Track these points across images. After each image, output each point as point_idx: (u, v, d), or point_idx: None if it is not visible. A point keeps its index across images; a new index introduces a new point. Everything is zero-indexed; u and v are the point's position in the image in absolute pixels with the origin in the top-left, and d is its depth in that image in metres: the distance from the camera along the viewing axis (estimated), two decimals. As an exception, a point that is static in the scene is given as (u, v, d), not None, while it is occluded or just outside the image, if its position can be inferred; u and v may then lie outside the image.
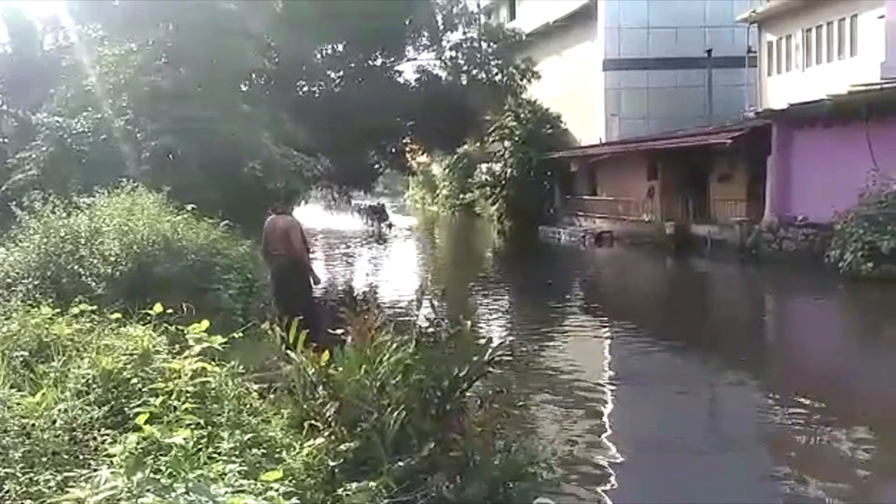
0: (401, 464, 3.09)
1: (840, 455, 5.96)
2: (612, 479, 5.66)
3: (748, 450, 6.31)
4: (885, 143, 14.57)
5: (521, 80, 20.48)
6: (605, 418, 7.16)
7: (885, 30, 15.90)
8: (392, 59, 19.10)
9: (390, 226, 26.34)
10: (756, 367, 9.10)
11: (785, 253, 16.79)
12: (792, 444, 6.32)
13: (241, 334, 4.04)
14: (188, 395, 2.81)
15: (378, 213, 26.54)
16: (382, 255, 23.42)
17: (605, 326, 11.88)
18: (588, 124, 27.57)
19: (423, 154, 26.71)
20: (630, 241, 23.21)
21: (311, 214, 32.06)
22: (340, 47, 18.57)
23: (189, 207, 7.23)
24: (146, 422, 2.45)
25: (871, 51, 16.33)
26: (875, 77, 15.11)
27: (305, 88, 18.75)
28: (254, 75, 15.90)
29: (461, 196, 34.07)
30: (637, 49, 26.00)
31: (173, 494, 2.07)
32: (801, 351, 10.78)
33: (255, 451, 2.95)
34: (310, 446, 3.15)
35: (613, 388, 8.30)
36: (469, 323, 3.78)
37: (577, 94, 28.06)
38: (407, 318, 4.36)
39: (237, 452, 2.87)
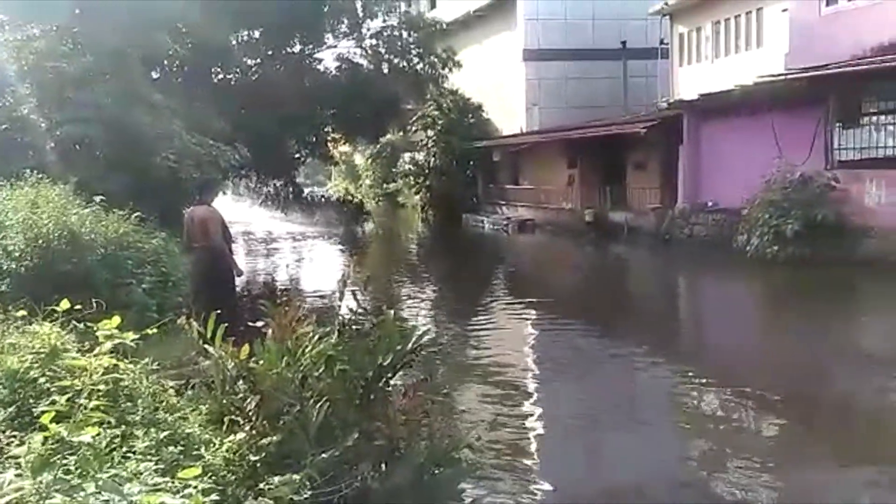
0: (324, 455, 3.05)
1: (747, 424, 6.26)
2: (536, 459, 5.79)
3: (664, 426, 6.57)
4: (789, 132, 15.31)
5: (443, 69, 20.49)
6: (528, 401, 7.29)
7: (788, 23, 16.65)
8: (311, 46, 18.77)
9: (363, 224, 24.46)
10: (669, 346, 9.47)
11: (696, 238, 17.47)
12: (704, 418, 6.60)
13: (155, 330, 3.91)
14: (99, 393, 2.70)
15: (349, 212, 24.44)
16: (306, 247, 23.10)
17: (528, 311, 12.09)
18: (509, 114, 27.90)
19: (345, 143, 26.41)
20: (552, 229, 23.70)
21: (255, 215, 30.68)
22: (257, 34, 18.12)
23: (98, 199, 6.93)
24: (53, 421, 2.34)
25: (776, 43, 17.09)
26: (779, 68, 15.81)
27: (221, 76, 18.23)
28: (166, 62, 15.34)
29: (385, 186, 33.93)
30: (555, 40, 26.45)
31: (83, 494, 1.99)
32: (711, 331, 11.33)
33: (171, 448, 2.85)
34: (230, 442, 3.08)
35: (536, 371, 8.47)
36: (392, 312, 3.76)
37: (498, 84, 28.34)
38: (331, 309, 4.31)
39: (153, 451, 2.78)
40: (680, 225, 18.19)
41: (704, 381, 7.60)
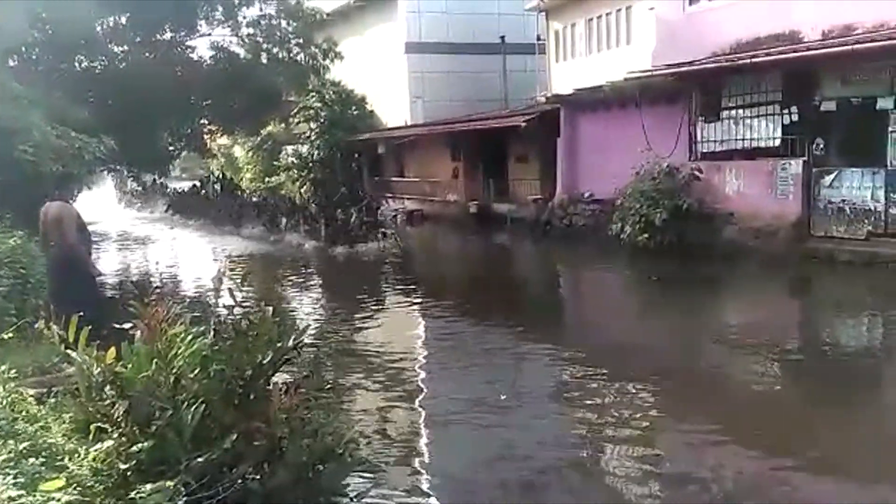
0: (200, 459, 2.96)
1: (628, 404, 6.59)
2: (425, 446, 5.85)
3: (550, 406, 6.81)
4: (657, 126, 16.14)
5: (324, 60, 20.12)
6: (414, 390, 7.36)
7: (655, 21, 17.53)
8: (183, 33, 17.95)
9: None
10: (545, 329, 9.80)
11: (575, 227, 18.13)
12: (586, 397, 6.88)
13: (13, 335, 3.67)
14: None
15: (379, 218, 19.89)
16: (184, 241, 22.18)
17: (415, 301, 12.17)
18: (393, 106, 27.88)
19: (223, 135, 25.50)
20: (438, 221, 23.96)
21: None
22: (124, 20, 17.13)
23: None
24: None
25: (644, 40, 17.95)
26: (647, 65, 16.61)
27: (85, 64, 17.14)
28: (24, 49, 14.28)
29: (267, 179, 33.04)
30: (437, 34, 26.65)
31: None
32: (588, 315, 11.82)
33: (32, 460, 2.69)
34: (97, 450, 2.94)
35: (422, 360, 8.55)
36: (271, 308, 3.69)
37: (381, 76, 28.24)
38: (207, 308, 4.17)
39: (11, 463, 2.61)
40: (559, 215, 18.81)
41: (583, 366, 7.92)
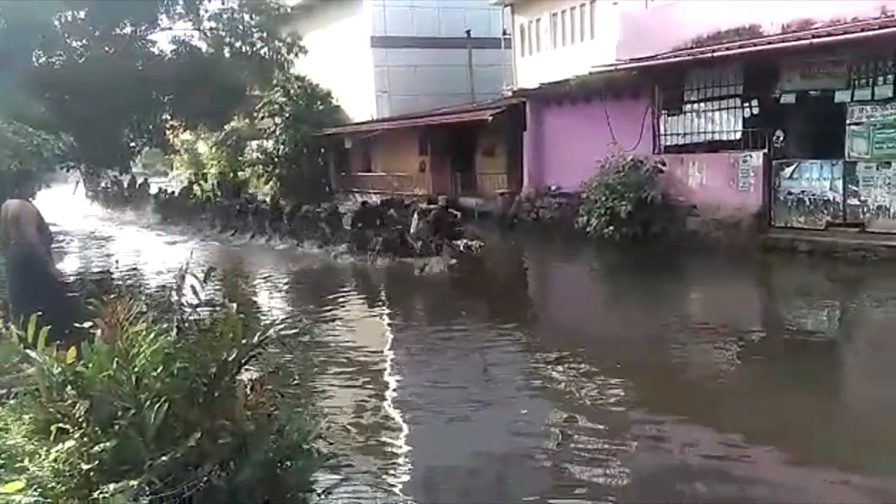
0: (164, 458, 2.93)
1: (598, 394, 6.67)
2: (396, 440, 5.86)
3: (521, 399, 6.86)
4: (621, 119, 16.31)
5: (288, 54, 19.95)
6: (383, 383, 7.37)
7: (619, 15, 17.69)
8: (143, 27, 17.66)
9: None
10: (520, 322, 9.86)
11: (542, 220, 18.27)
12: (558, 391, 6.95)
13: (-31, 337, 3.57)
14: None
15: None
16: (149, 238, 21.81)
17: (382, 296, 12.16)
18: (359, 101, 27.75)
19: (185, 131, 25.13)
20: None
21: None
22: (82, 13, 16.78)
23: None
24: None
25: (608, 34, 18.10)
26: (611, 59, 16.76)
27: (43, 59, 16.77)
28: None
29: (232, 175, 32.65)
30: (403, 27, 26.57)
31: None
32: (558, 307, 11.92)
33: (-9, 463, 2.65)
34: (58, 451, 2.89)
35: (390, 352, 8.56)
36: (235, 305, 3.66)
37: (346, 71, 28.07)
38: (169, 305, 4.12)
39: (-31, 467, 2.56)
40: (526, 209, 18.92)
41: (551, 354, 7.99)
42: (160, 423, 3.05)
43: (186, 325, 3.59)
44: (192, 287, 3.68)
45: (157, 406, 3.06)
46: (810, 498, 4.77)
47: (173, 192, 27.02)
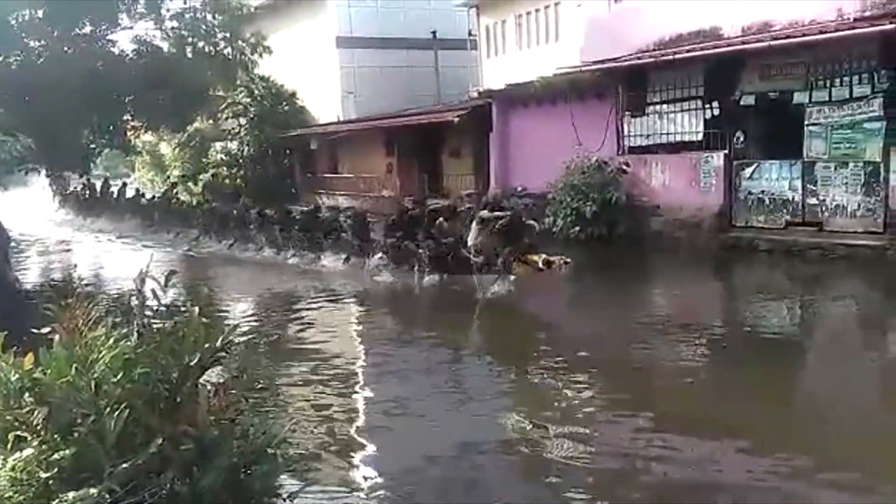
0: (125, 465, 2.89)
1: (567, 395, 6.73)
2: (363, 444, 5.84)
3: (488, 401, 6.89)
4: (586, 120, 16.47)
5: (253, 54, 19.73)
6: (356, 389, 7.34)
7: (582, 17, 17.85)
8: (104, 27, 17.32)
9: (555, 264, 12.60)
10: (484, 328, 9.90)
11: (509, 221, 18.31)
12: (525, 393, 7.00)
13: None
14: None
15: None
16: (111, 241, 21.42)
17: (352, 300, 12.10)
18: (325, 102, 27.57)
19: (147, 132, 24.71)
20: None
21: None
22: (40, 13, 16.42)
23: None
24: None
25: (572, 36, 18.26)
26: (576, 60, 16.92)
27: (0, 59, 16.37)
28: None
29: (195, 177, 32.21)
30: (368, 28, 26.46)
31: None
32: (524, 309, 11.96)
33: (-56, 475, 2.58)
34: (16, 459, 2.83)
35: (357, 357, 8.53)
36: (197, 309, 3.61)
37: (312, 72, 27.88)
38: (129, 310, 4.06)
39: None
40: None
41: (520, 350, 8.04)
42: (120, 429, 3.01)
43: (147, 329, 3.54)
44: (153, 291, 3.63)
45: (117, 412, 3.01)
46: (763, 485, 4.87)
47: (154, 197, 25.06)
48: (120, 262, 16.83)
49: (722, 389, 6.92)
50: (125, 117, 19.41)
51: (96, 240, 21.82)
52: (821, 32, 12.24)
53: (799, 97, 12.97)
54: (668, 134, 15.21)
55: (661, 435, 5.67)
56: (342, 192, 26.15)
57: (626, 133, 15.99)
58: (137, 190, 27.51)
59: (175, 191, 25.35)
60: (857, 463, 5.14)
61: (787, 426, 5.92)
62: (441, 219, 13.06)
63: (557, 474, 5.09)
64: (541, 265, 11.40)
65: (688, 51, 14.13)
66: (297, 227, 15.72)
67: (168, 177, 31.96)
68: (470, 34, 23.83)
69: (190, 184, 27.92)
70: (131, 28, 18.03)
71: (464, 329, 9.77)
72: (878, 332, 9.13)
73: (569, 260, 11.64)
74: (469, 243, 11.90)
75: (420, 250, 12.31)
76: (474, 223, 12.21)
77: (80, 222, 25.96)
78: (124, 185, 28.50)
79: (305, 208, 17.83)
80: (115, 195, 27.05)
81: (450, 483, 5.11)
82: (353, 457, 5.57)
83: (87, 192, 28.37)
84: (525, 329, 9.94)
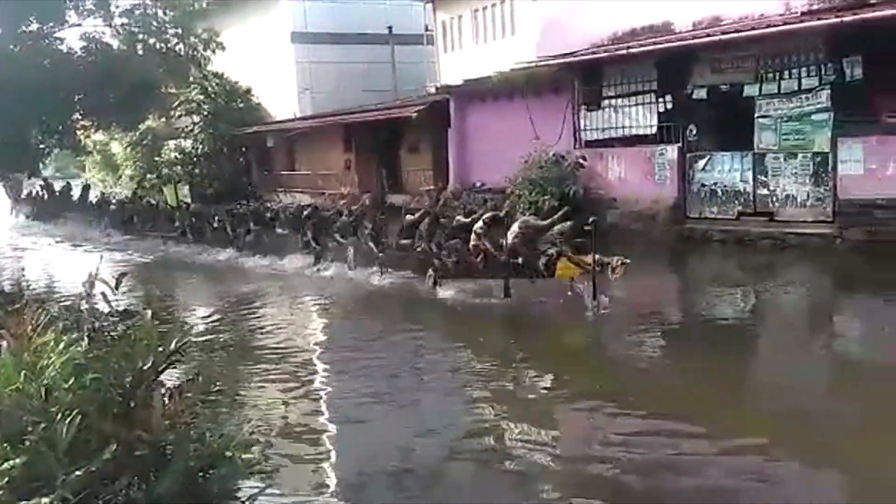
0: (78, 473, 2.83)
1: (524, 392, 6.80)
2: (326, 442, 5.82)
3: (450, 396, 6.93)
4: (543, 115, 16.58)
5: (205, 50, 19.41)
6: (317, 387, 7.30)
7: (538, 12, 17.96)
8: (51, 24, 16.88)
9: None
10: (441, 324, 9.92)
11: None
12: (483, 386, 7.04)
13: None
14: None
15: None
16: (60, 244, 20.89)
17: (309, 295, 12.01)
18: (281, 98, 27.29)
19: (98, 131, 24.14)
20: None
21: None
22: (-17, 10, 15.94)
23: None
24: None
25: (528, 31, 18.36)
26: (532, 55, 17.02)
27: (-59, 57, 15.84)
28: None
29: (148, 176, 31.59)
30: (324, 23, 26.25)
31: None
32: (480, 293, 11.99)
33: None
34: (-38, 472, 2.75)
35: (324, 358, 8.48)
36: (149, 312, 3.56)
37: (267, 68, 27.56)
38: (80, 314, 3.98)
39: None
40: (453, 205, 18.98)
41: (475, 349, 8.09)
42: (73, 436, 2.95)
43: (98, 333, 3.48)
44: (104, 294, 3.56)
45: (69, 419, 2.95)
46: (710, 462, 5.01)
47: (127, 199, 23.40)
48: (80, 267, 15.96)
49: (677, 375, 7.07)
50: (75, 116, 18.96)
51: (52, 246, 20.44)
52: (769, 26, 12.52)
53: (749, 90, 13.24)
54: (623, 127, 15.41)
55: (620, 419, 5.79)
56: (300, 189, 25.92)
57: (582, 127, 16.14)
58: (102, 193, 26.06)
59: (138, 191, 24.46)
60: (802, 437, 5.39)
61: (739, 407, 6.10)
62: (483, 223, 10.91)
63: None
64: (597, 267, 9.67)
65: (641, 45, 14.32)
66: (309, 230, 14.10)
67: (120, 176, 31.28)
68: (426, 29, 23.81)
69: (173, 183, 26.64)
70: (80, 25, 17.62)
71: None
72: (826, 317, 9.43)
73: (628, 260, 9.80)
74: (508, 242, 10.41)
75: (444, 254, 11.09)
76: (515, 226, 10.60)
77: (39, 227, 24.01)
78: (87, 186, 27.09)
79: (297, 206, 16.64)
80: (78, 197, 25.60)
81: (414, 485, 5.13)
82: (316, 458, 5.55)
83: (46, 193, 26.83)
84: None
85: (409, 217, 13.08)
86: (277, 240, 15.06)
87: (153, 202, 22.11)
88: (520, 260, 10.22)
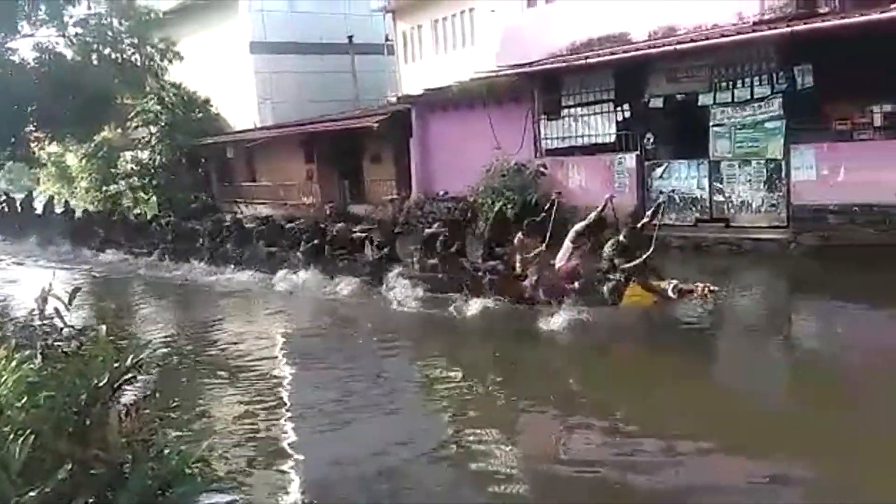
0: (32, 494, 2.76)
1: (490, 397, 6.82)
2: (290, 453, 5.77)
3: (416, 404, 6.92)
4: (504, 124, 16.72)
5: (162, 60, 19.22)
6: (281, 398, 7.24)
7: (496, 22, 18.12)
8: (2, 35, 16.54)
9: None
10: (408, 332, 9.91)
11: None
12: (441, 389, 7.06)
13: None
14: None
15: None
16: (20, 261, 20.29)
17: (270, 306, 11.90)
18: (241, 109, 27.02)
19: (52, 143, 23.60)
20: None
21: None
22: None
23: None
24: None
25: (487, 41, 18.50)
26: (492, 65, 17.14)
27: None
28: None
29: (104, 188, 30.94)
30: (283, 33, 26.09)
31: None
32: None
33: None
34: None
35: (287, 368, 8.41)
36: (104, 327, 3.49)
37: (226, 77, 27.26)
38: (33, 331, 3.89)
39: None
40: (416, 214, 19.02)
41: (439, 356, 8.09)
42: (26, 456, 2.88)
43: (52, 350, 3.40)
44: (57, 309, 3.49)
45: (21, 439, 2.89)
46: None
47: (100, 211, 21.74)
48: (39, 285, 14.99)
49: (636, 375, 7.20)
50: (28, 128, 18.56)
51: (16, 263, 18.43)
52: (722, 36, 12.81)
53: (704, 99, 13.52)
54: (582, 136, 15.60)
55: (581, 420, 5.86)
56: (262, 201, 25.68)
57: (542, 136, 16.31)
58: (67, 203, 24.22)
59: (113, 203, 23.22)
60: (756, 435, 5.51)
61: (697, 406, 6.22)
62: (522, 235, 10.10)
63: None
64: (671, 293, 8.49)
65: (598, 55, 14.53)
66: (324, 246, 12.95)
67: (75, 189, 30.56)
68: (387, 39, 23.83)
69: (147, 192, 25.46)
70: (32, 35, 17.29)
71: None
72: (782, 318, 9.66)
73: (715, 288, 8.51)
74: (559, 262, 9.32)
75: (477, 272, 10.09)
76: (567, 240, 9.68)
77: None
78: (51, 198, 25.50)
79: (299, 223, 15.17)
80: (42, 211, 23.49)
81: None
82: (279, 471, 5.49)
83: (6, 207, 24.76)
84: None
85: (427, 231, 12.03)
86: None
87: (126, 215, 20.69)
88: (576, 284, 8.94)
